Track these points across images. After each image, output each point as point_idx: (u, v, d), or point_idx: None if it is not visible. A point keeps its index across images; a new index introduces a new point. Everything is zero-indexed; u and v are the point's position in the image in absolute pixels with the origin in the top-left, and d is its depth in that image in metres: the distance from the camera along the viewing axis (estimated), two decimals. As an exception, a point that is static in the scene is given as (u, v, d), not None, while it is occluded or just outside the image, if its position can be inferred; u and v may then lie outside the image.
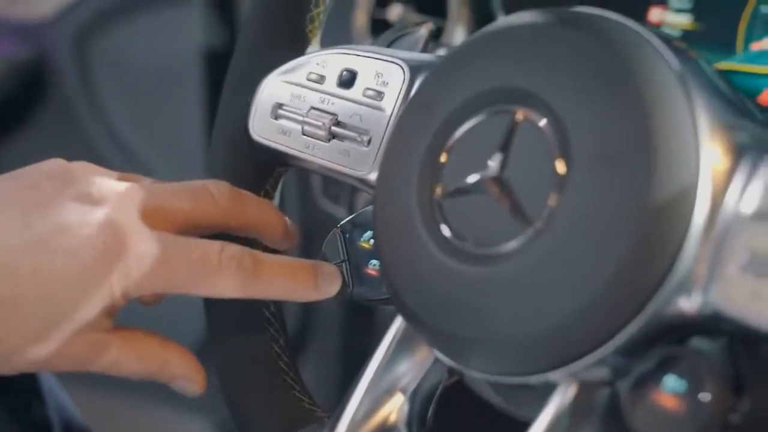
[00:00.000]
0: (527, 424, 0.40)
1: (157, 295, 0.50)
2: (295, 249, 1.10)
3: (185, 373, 0.48)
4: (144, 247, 0.44)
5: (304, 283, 0.48)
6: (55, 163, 0.47)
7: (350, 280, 0.49)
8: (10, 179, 0.46)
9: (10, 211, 0.44)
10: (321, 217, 0.82)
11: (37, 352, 0.43)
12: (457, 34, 0.70)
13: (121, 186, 0.46)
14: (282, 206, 0.54)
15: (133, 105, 1.19)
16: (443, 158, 0.42)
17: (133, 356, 0.46)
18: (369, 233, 0.49)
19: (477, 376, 0.42)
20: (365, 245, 0.49)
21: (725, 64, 0.56)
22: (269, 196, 0.54)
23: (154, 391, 1.43)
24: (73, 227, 0.43)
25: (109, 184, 0.46)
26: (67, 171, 0.46)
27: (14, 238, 0.43)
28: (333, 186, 0.81)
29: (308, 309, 1.07)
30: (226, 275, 0.45)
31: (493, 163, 0.40)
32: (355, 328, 1.04)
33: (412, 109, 0.45)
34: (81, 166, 0.47)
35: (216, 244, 0.45)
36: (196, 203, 0.47)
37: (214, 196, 0.48)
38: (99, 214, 0.44)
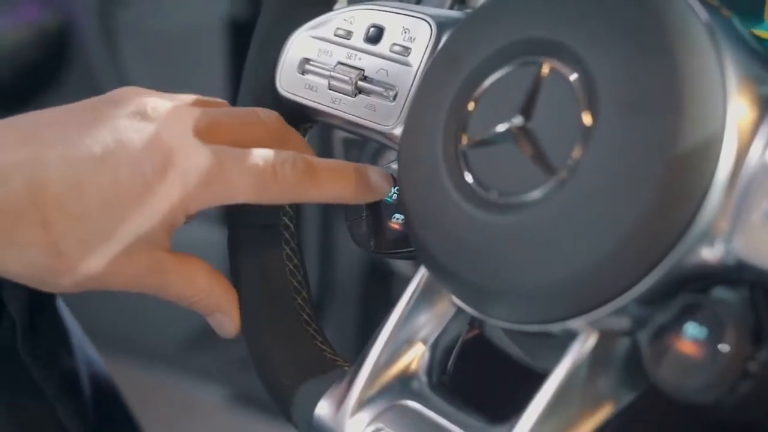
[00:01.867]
0: (546, 376, 0.41)
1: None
2: (315, 212, 1.11)
3: (225, 307, 0.49)
4: (199, 159, 0.45)
5: (357, 182, 0.48)
6: (111, 91, 0.48)
7: (374, 234, 0.50)
8: (68, 106, 0.47)
9: (70, 130, 0.45)
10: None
11: (99, 266, 0.44)
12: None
13: (173, 104, 0.47)
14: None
15: (156, 72, 1.20)
16: (470, 108, 0.43)
17: (185, 280, 0.47)
18: (393, 187, 0.50)
19: (499, 324, 0.43)
20: (388, 199, 0.50)
21: (753, 32, 0.56)
22: (294, 151, 0.54)
23: (172, 361, 1.45)
24: (132, 142, 0.45)
25: (161, 103, 0.47)
26: (122, 93, 0.48)
27: (76, 155, 0.44)
28: (354, 152, 0.82)
29: (326, 277, 1.08)
30: (281, 179, 0.46)
31: (519, 113, 0.41)
32: (372, 296, 1.04)
33: (438, 62, 0.46)
34: (134, 89, 0.48)
35: (268, 150, 0.46)
36: (246, 122, 0.49)
37: (261, 118, 0.49)
38: (154, 129, 0.45)
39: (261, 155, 0.46)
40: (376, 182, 0.49)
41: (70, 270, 0.44)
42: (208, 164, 0.45)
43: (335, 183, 0.48)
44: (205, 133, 0.46)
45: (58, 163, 0.44)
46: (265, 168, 0.46)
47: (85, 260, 0.44)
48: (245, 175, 0.46)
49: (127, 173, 0.44)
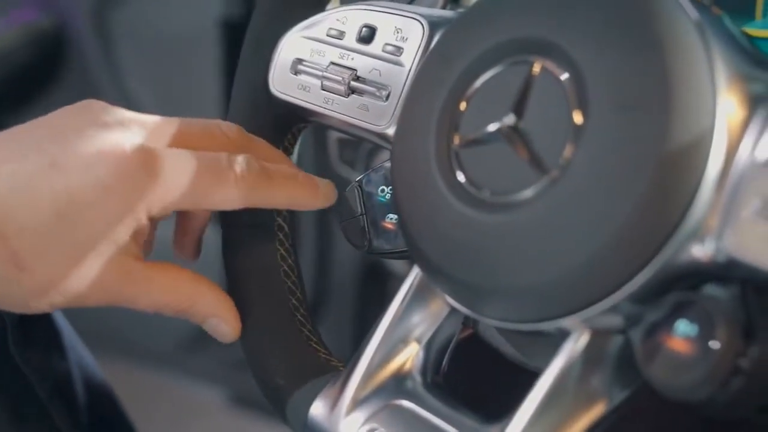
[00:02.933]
0: (540, 375, 0.41)
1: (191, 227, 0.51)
2: (311, 214, 1.11)
3: (218, 311, 0.48)
4: (158, 162, 0.44)
5: (309, 187, 0.49)
6: (74, 104, 0.48)
7: (368, 234, 0.50)
8: (27, 123, 0.47)
9: (22, 144, 0.45)
10: (338, 182, 0.83)
11: (63, 278, 0.43)
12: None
13: (134, 115, 0.47)
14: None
15: (151, 73, 1.20)
16: (461, 107, 0.43)
17: (164, 288, 0.46)
18: (386, 188, 0.50)
19: (491, 323, 0.43)
20: (383, 199, 0.50)
21: (745, 30, 0.56)
22: (288, 152, 0.54)
23: (169, 363, 1.44)
24: (86, 148, 0.44)
25: (123, 113, 0.47)
26: (82, 105, 0.47)
27: (27, 167, 0.43)
28: (349, 151, 0.82)
29: (322, 279, 1.08)
30: (240, 180, 0.46)
31: (511, 113, 0.41)
32: (368, 298, 1.04)
33: (431, 61, 0.46)
34: (97, 102, 0.48)
35: (225, 153, 0.46)
36: (206, 132, 0.48)
37: (223, 130, 0.49)
38: (109, 135, 0.45)
39: (219, 157, 0.46)
40: (325, 190, 0.50)
41: (36, 283, 0.43)
42: (168, 166, 0.44)
43: (289, 187, 0.49)
44: (164, 138, 0.46)
45: (8, 176, 0.43)
46: (223, 169, 0.46)
47: (48, 272, 0.43)
48: (204, 177, 0.45)
49: (80, 179, 0.43)
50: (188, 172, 0.45)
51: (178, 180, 0.45)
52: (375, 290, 1.00)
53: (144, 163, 0.44)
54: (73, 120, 0.46)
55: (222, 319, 0.49)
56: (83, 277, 0.44)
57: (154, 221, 0.46)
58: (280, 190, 0.48)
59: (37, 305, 0.44)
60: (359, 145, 0.77)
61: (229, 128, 0.49)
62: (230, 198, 0.47)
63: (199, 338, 1.32)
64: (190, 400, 1.41)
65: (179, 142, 0.47)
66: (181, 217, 0.52)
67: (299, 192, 0.49)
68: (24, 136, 0.45)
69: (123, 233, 0.44)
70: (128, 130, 0.45)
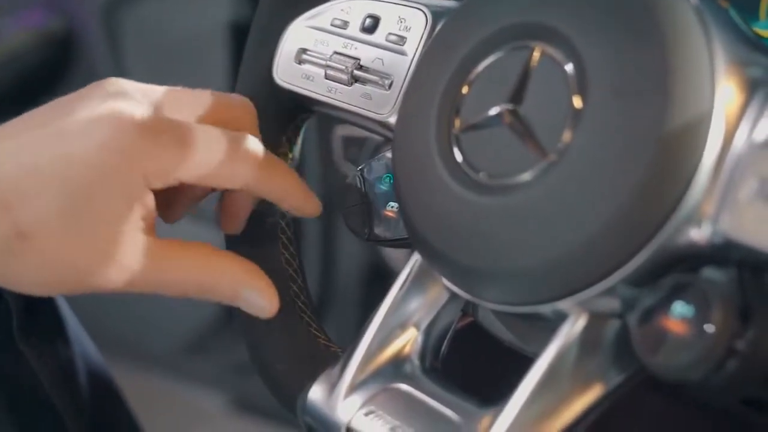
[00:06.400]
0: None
1: (179, 203, 0.49)
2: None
3: (251, 282, 0.46)
4: (158, 131, 0.44)
5: (304, 189, 0.49)
6: (91, 83, 0.47)
7: (369, 221, 0.50)
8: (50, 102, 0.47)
9: (28, 122, 0.45)
10: (342, 179, 0.83)
11: (74, 253, 0.42)
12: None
13: (144, 85, 0.47)
14: (303, 169, 0.55)
15: (159, 76, 1.20)
16: (462, 92, 0.43)
17: (191, 264, 0.44)
18: (388, 176, 0.50)
19: (489, 306, 0.43)
20: (384, 187, 0.50)
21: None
22: (291, 142, 0.55)
23: (171, 367, 1.44)
24: (87, 116, 0.44)
25: (129, 83, 0.46)
26: (95, 83, 0.47)
27: (30, 137, 0.43)
28: (353, 149, 0.82)
29: (326, 278, 1.08)
30: (246, 159, 0.45)
31: (511, 97, 0.41)
32: (373, 296, 1.05)
33: (433, 48, 0.46)
34: (108, 79, 0.47)
35: (233, 132, 0.46)
36: (219, 105, 0.48)
37: (235, 105, 0.49)
38: (115, 104, 0.44)
39: (229, 134, 0.45)
40: (315, 199, 0.49)
41: (39, 254, 0.42)
42: (168, 137, 0.44)
43: (289, 180, 0.48)
44: (172, 108, 0.46)
45: (13, 148, 0.43)
46: (232, 145, 0.45)
47: (51, 241, 0.42)
48: (211, 150, 0.44)
49: (82, 145, 0.43)
50: (191, 142, 0.44)
51: (179, 149, 0.44)
52: (380, 289, 1.01)
53: (146, 129, 0.44)
54: (80, 94, 0.46)
55: (256, 291, 0.46)
56: (87, 248, 0.42)
57: (156, 193, 0.45)
58: (282, 180, 0.48)
59: (43, 282, 0.43)
60: (363, 143, 0.77)
61: (243, 105, 0.49)
62: (235, 175, 0.46)
63: (201, 342, 1.32)
64: (192, 405, 1.41)
65: (186, 112, 0.46)
66: (227, 194, 0.51)
67: (296, 189, 0.49)
68: (34, 113, 0.45)
69: (127, 206, 0.43)
70: (132, 98, 0.45)
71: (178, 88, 0.48)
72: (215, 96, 0.49)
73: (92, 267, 0.43)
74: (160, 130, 0.44)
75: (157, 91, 0.47)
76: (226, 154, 0.45)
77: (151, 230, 0.44)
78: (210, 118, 0.47)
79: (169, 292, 0.45)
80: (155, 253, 0.44)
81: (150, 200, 0.44)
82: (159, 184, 0.44)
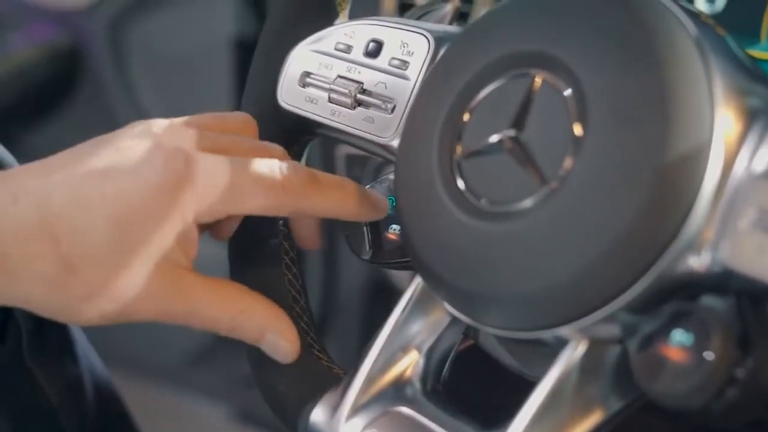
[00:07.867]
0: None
1: (227, 226, 0.50)
2: (318, 231, 1.11)
3: (274, 325, 0.47)
4: (208, 168, 0.45)
5: (359, 195, 0.49)
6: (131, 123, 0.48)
7: (371, 244, 0.51)
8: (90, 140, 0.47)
9: (74, 156, 0.45)
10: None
11: (112, 283, 0.43)
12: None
13: (175, 120, 0.48)
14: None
15: (165, 91, 1.21)
16: (464, 119, 0.44)
17: (218, 301, 0.46)
18: (390, 199, 0.51)
19: (490, 331, 0.43)
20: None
21: (750, 52, 0.56)
22: (295, 163, 0.55)
23: (175, 378, 1.43)
24: (135, 154, 0.44)
25: (164, 121, 0.47)
26: (134, 123, 0.48)
27: (79, 172, 0.44)
28: (357, 168, 0.83)
29: (329, 297, 1.08)
30: (288, 186, 0.46)
31: (512, 125, 0.42)
32: (375, 315, 1.05)
33: (435, 74, 0.47)
34: (147, 120, 0.48)
35: (273, 160, 0.47)
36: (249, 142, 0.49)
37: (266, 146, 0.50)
38: (158, 140, 0.45)
39: (267, 164, 0.46)
40: (377, 200, 0.50)
41: (85, 288, 0.43)
42: (218, 173, 0.45)
43: (338, 192, 0.48)
44: (209, 145, 0.46)
45: (62, 182, 0.44)
46: (273, 175, 0.46)
47: (98, 276, 0.43)
48: (256, 184, 0.45)
49: (131, 183, 0.44)
50: (244, 181, 0.45)
51: (232, 188, 0.45)
52: (382, 308, 1.01)
53: (197, 169, 0.44)
54: (123, 132, 0.46)
55: (279, 334, 0.48)
56: (132, 282, 0.43)
57: (200, 228, 0.46)
58: (330, 196, 0.48)
59: (86, 312, 0.44)
60: (367, 162, 0.78)
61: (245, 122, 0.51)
62: (282, 206, 0.47)
63: (205, 354, 1.32)
64: (197, 417, 1.41)
65: (220, 148, 0.47)
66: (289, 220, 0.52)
67: (348, 198, 0.49)
68: (79, 150, 0.46)
69: (172, 241, 0.44)
70: (177, 135, 0.46)
71: (207, 118, 0.49)
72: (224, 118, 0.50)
73: (133, 300, 0.44)
74: (213, 172, 0.45)
75: (193, 124, 0.48)
76: (270, 186, 0.46)
77: (190, 264, 0.46)
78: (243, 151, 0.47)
79: (199, 326, 0.46)
80: (192, 290, 0.45)
81: (195, 235, 0.45)
82: (208, 219, 0.45)
